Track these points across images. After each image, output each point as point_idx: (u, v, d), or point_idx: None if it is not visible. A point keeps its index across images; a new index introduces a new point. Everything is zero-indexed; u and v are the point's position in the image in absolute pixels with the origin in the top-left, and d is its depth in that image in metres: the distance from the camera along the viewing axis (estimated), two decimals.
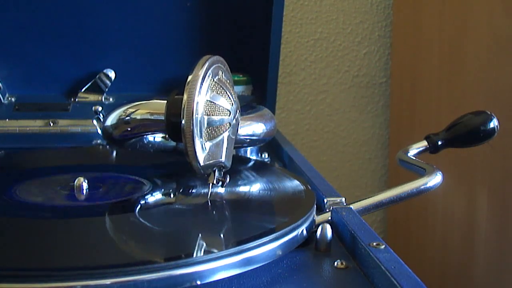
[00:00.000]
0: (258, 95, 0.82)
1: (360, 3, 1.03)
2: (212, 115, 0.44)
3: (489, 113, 0.59)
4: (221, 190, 0.48)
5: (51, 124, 0.76)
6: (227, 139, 0.46)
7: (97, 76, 0.79)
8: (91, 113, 0.77)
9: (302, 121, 1.05)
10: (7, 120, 0.76)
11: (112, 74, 0.80)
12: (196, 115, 0.43)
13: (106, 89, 0.79)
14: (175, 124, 0.45)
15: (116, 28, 0.79)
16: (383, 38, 1.05)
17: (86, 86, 0.79)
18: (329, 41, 1.04)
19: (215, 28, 0.82)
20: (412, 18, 0.96)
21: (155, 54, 0.82)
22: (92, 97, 0.80)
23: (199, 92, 0.43)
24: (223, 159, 0.46)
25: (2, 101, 0.78)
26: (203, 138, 0.44)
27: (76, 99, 0.79)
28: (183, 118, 0.43)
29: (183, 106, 0.43)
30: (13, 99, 0.79)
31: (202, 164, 0.44)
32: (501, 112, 0.63)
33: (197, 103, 0.43)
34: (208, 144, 0.45)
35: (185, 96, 0.43)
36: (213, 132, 0.45)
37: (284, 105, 1.04)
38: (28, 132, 0.76)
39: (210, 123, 0.44)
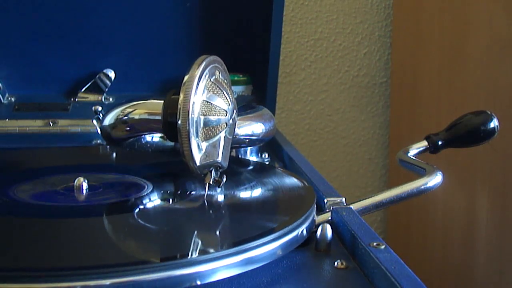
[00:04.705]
0: (258, 95, 0.82)
1: (360, 3, 1.03)
2: (209, 115, 0.44)
3: (489, 113, 0.59)
4: (221, 190, 0.48)
5: (51, 124, 0.76)
6: (224, 139, 0.46)
7: (97, 76, 0.79)
8: (91, 113, 0.77)
9: (302, 121, 1.05)
10: (7, 120, 0.76)
11: (112, 74, 0.80)
12: (192, 115, 0.43)
13: (106, 89, 0.79)
14: (172, 124, 0.44)
15: (116, 28, 0.79)
16: (383, 38, 1.05)
17: (86, 86, 0.79)
18: (329, 41, 1.04)
19: (215, 28, 0.82)
20: (412, 18, 0.96)
21: (155, 54, 0.82)
22: (92, 97, 0.80)
23: (195, 92, 0.43)
24: (219, 159, 0.46)
25: (2, 101, 0.78)
26: (200, 138, 0.44)
27: (76, 99, 0.79)
28: (179, 118, 0.43)
29: (179, 106, 0.43)
30: (13, 99, 0.79)
31: (198, 164, 0.44)
32: (502, 112, 0.63)
33: (193, 103, 0.43)
34: (204, 144, 0.44)
35: (181, 96, 0.43)
36: (210, 132, 0.45)
37: (284, 105, 1.04)
38: (28, 132, 0.75)
39: (206, 123, 0.44)
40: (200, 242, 0.38)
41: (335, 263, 0.39)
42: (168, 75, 0.82)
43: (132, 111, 0.49)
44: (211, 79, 0.45)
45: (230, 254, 0.36)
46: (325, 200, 0.48)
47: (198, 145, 0.44)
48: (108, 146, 0.68)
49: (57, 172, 0.56)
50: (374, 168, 1.08)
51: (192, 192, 0.49)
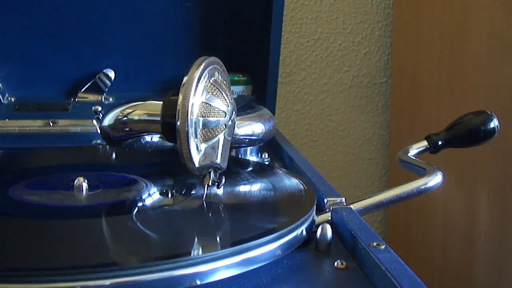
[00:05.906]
0: (258, 95, 0.82)
1: (360, 3, 1.03)
2: (208, 116, 0.44)
3: (489, 113, 0.59)
4: (221, 190, 0.48)
5: (51, 124, 0.76)
6: (223, 141, 0.46)
7: (97, 76, 0.79)
8: (91, 113, 0.77)
9: (302, 121, 1.05)
10: (7, 120, 0.76)
11: (112, 74, 0.80)
12: (191, 117, 0.43)
13: (106, 89, 0.79)
14: (171, 125, 0.44)
15: (116, 28, 0.79)
16: (383, 38, 1.05)
17: (86, 86, 0.79)
18: (329, 41, 1.04)
19: (215, 28, 0.82)
20: (412, 18, 0.96)
21: (154, 54, 0.82)
22: (92, 97, 0.80)
23: (195, 93, 0.43)
24: (218, 160, 0.46)
25: (2, 101, 0.78)
26: (198, 139, 0.44)
27: (76, 99, 0.79)
28: (178, 119, 0.43)
29: (178, 107, 0.43)
30: (13, 99, 0.79)
31: (197, 165, 0.44)
32: (502, 112, 0.63)
33: (192, 104, 0.43)
34: (203, 146, 0.44)
35: (180, 97, 0.43)
36: (209, 133, 0.45)
37: (284, 105, 1.04)
38: (28, 132, 0.75)
39: (205, 125, 0.44)
40: (200, 242, 0.38)
41: (335, 263, 0.39)
42: (168, 75, 0.82)
43: (131, 112, 0.49)
44: (210, 80, 0.45)
45: (230, 254, 0.36)
46: (325, 200, 0.48)
47: (197, 146, 0.44)
48: (108, 146, 0.68)
49: (57, 172, 0.56)
50: (374, 168, 1.08)
51: (192, 192, 0.49)
